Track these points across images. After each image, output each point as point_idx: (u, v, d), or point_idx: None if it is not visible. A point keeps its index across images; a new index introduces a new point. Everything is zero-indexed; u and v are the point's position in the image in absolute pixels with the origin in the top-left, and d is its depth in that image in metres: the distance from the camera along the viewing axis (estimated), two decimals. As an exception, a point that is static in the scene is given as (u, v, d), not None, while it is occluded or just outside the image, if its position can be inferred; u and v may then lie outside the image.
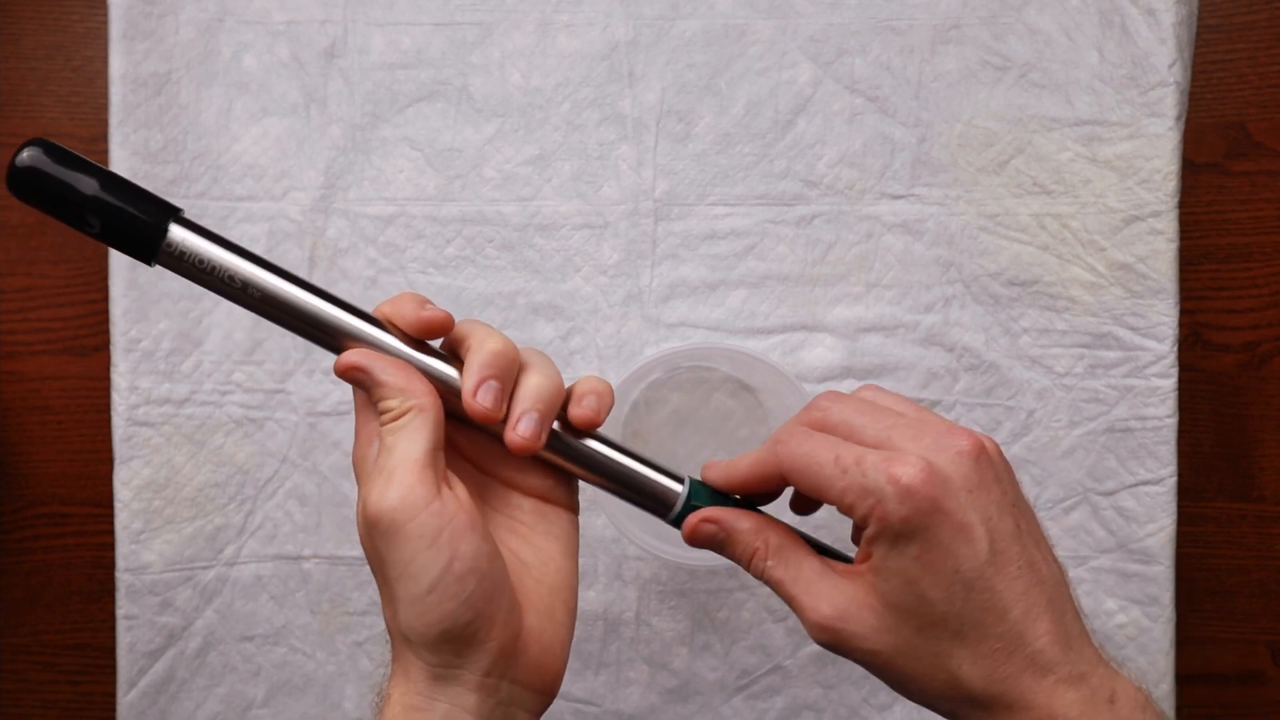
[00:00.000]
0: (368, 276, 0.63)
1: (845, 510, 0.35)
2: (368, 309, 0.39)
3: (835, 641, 0.36)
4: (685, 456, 0.63)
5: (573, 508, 0.41)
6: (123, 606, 0.63)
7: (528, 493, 0.40)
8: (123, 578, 0.63)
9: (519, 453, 0.37)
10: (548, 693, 0.38)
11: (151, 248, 0.36)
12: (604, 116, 0.64)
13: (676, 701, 0.64)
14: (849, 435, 0.36)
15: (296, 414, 0.63)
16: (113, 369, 0.63)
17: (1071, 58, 0.63)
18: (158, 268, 0.37)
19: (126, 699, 0.63)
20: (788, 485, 0.39)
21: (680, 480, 0.40)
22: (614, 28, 0.64)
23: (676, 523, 0.40)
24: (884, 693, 0.64)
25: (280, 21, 0.63)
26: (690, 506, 0.40)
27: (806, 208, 0.64)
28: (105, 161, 0.62)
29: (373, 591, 0.64)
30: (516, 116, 0.63)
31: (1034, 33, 0.63)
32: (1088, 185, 0.63)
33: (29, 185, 0.35)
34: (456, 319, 0.38)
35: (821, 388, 0.63)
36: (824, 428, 0.37)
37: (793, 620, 0.64)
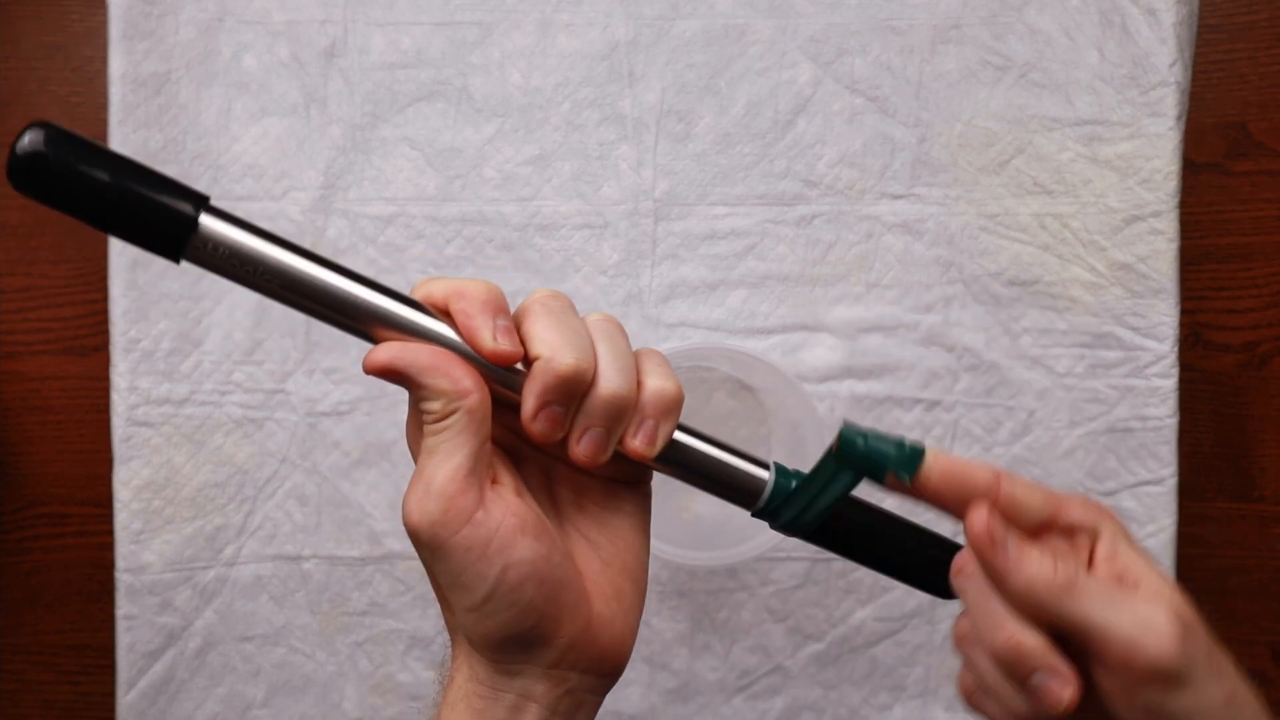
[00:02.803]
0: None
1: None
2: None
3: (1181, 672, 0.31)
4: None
5: (644, 481, 0.38)
6: (122, 606, 0.63)
7: (595, 471, 0.36)
8: (122, 578, 0.63)
9: (581, 466, 0.34)
10: (615, 675, 0.36)
11: (179, 243, 0.30)
12: (604, 116, 0.63)
13: (676, 702, 0.64)
14: None
15: (296, 414, 0.63)
16: (112, 369, 0.63)
17: (1072, 58, 0.63)
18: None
19: (126, 699, 0.63)
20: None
21: (765, 466, 0.36)
22: (614, 28, 0.63)
23: (764, 515, 0.37)
24: (884, 693, 0.64)
25: (280, 21, 0.63)
26: (778, 495, 0.36)
27: (806, 208, 0.64)
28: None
29: (372, 592, 0.64)
30: (516, 116, 0.63)
31: (1034, 33, 0.63)
32: (1088, 185, 0.63)
33: (32, 176, 0.29)
34: None
35: (822, 388, 0.63)
36: None
37: (793, 620, 0.64)
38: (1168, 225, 0.62)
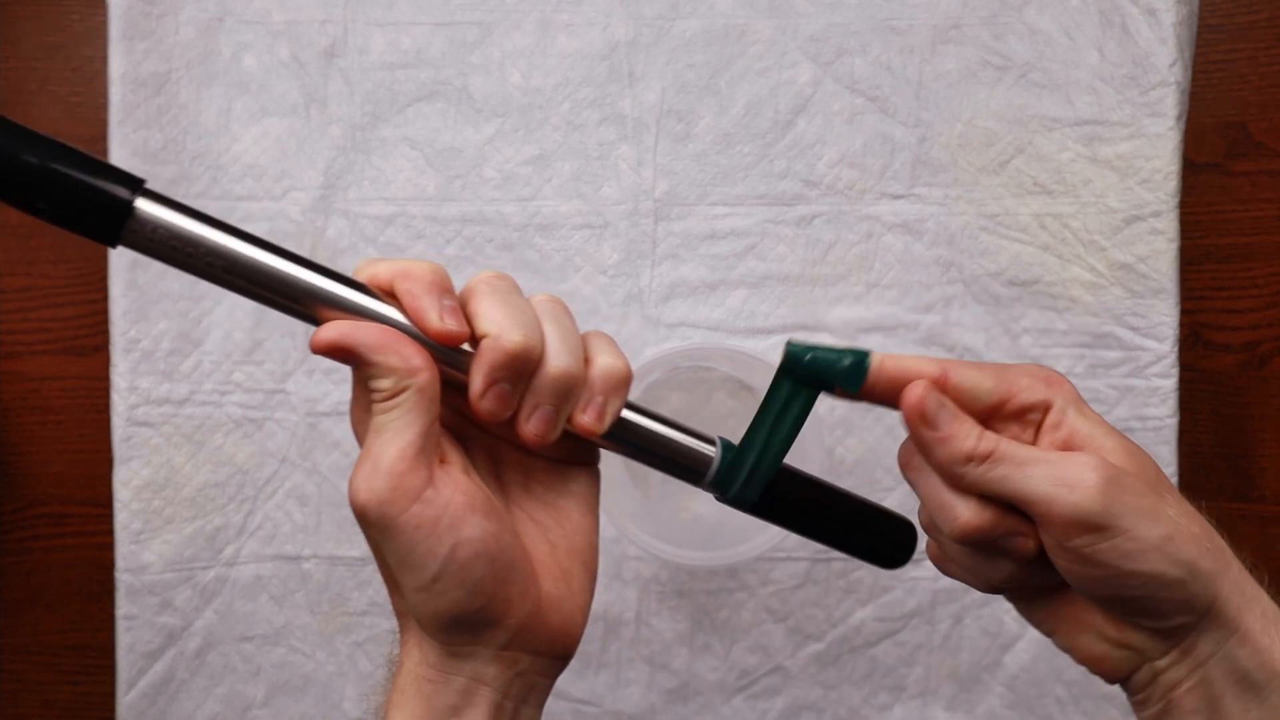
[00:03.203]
0: (368, 276, 0.63)
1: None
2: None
3: (1110, 507, 0.33)
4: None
5: (592, 462, 0.37)
6: (122, 607, 0.63)
7: (543, 452, 0.36)
8: (122, 578, 0.63)
9: (531, 446, 0.34)
10: (566, 658, 0.36)
11: (115, 228, 0.30)
12: (604, 116, 0.63)
13: (676, 701, 0.64)
14: None
15: (296, 414, 0.63)
16: (112, 369, 0.63)
17: (1072, 58, 0.63)
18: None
19: (126, 699, 0.63)
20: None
21: (712, 443, 0.37)
22: (614, 28, 0.63)
23: (713, 488, 0.37)
24: (884, 693, 0.64)
25: (280, 21, 0.63)
26: (724, 470, 0.37)
27: (806, 208, 0.64)
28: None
29: (373, 592, 0.64)
30: (516, 116, 0.63)
31: (1034, 33, 0.63)
32: (1088, 185, 0.63)
33: None
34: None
35: (821, 388, 0.63)
36: None
37: (793, 620, 0.64)
38: (1168, 225, 0.62)
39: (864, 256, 0.64)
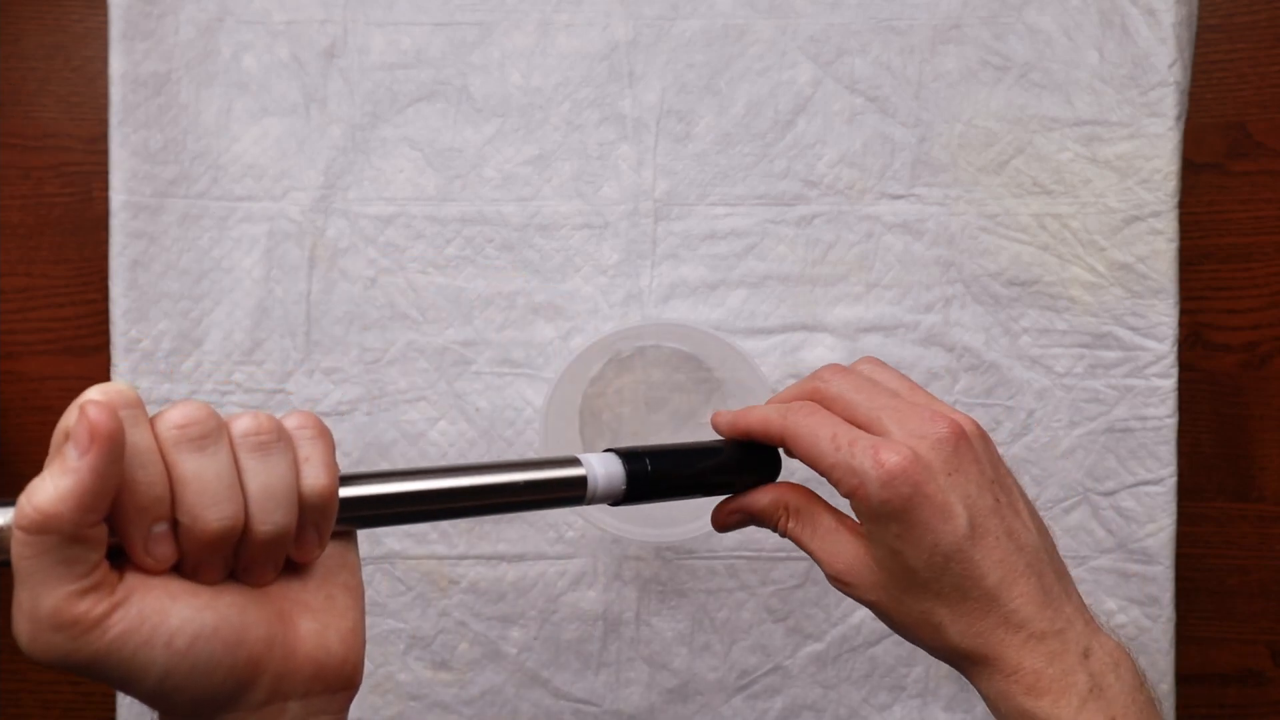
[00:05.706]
0: (368, 276, 0.63)
1: (834, 484, 0.38)
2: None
3: (844, 591, 0.40)
4: (643, 436, 0.63)
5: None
6: (123, 606, 0.63)
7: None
8: (123, 578, 0.63)
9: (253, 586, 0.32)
10: (349, 686, 0.34)
11: None
12: (604, 116, 0.64)
13: (676, 701, 0.64)
14: (844, 411, 0.39)
15: (296, 414, 0.63)
16: (113, 369, 0.63)
17: (1071, 58, 0.63)
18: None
19: (127, 699, 0.63)
20: (783, 445, 0.41)
21: (576, 462, 0.39)
22: (614, 28, 0.64)
23: (613, 500, 0.40)
24: (884, 692, 0.64)
25: (280, 21, 0.63)
26: (600, 482, 0.39)
27: (806, 208, 0.64)
28: (105, 162, 0.62)
29: (372, 591, 0.64)
30: (516, 116, 0.63)
31: (1034, 33, 0.63)
32: (1088, 185, 0.63)
33: None
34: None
35: (821, 388, 0.63)
36: (824, 400, 0.40)
37: (793, 620, 0.64)
38: (1167, 225, 0.62)
39: (864, 256, 0.64)
